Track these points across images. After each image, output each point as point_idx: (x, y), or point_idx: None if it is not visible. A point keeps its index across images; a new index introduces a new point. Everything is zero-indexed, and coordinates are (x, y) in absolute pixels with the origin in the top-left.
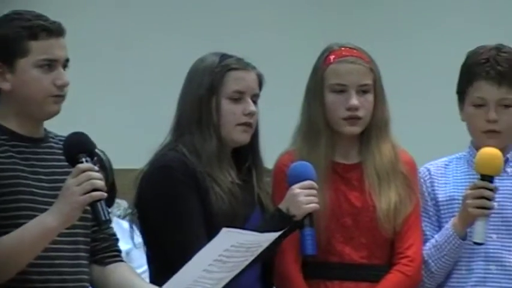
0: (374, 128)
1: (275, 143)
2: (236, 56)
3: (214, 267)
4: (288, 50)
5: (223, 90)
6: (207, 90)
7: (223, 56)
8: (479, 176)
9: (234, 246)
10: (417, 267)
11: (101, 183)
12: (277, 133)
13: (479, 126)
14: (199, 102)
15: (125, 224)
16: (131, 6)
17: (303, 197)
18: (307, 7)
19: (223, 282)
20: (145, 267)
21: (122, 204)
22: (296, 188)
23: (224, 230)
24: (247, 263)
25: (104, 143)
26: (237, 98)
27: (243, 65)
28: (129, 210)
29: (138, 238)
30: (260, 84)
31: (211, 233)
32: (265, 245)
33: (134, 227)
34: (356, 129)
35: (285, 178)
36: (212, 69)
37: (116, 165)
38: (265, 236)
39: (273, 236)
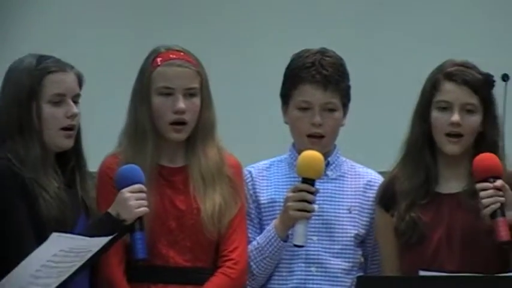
0: (200, 132)
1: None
2: (54, 57)
3: (41, 273)
4: None
5: (43, 95)
6: (26, 94)
7: (41, 58)
8: (300, 179)
9: (63, 251)
10: (241, 270)
11: None
12: (99, 135)
13: (303, 130)
14: (19, 108)
15: None
16: None
17: (134, 201)
18: None
19: None
20: None
21: None
22: (126, 192)
23: (54, 234)
24: (75, 268)
25: None
26: (58, 101)
27: (61, 67)
28: None
29: None
30: (80, 83)
31: (42, 241)
32: (95, 249)
33: None
34: (182, 136)
35: (109, 181)
36: (30, 73)
37: None
38: (95, 240)
39: (104, 240)
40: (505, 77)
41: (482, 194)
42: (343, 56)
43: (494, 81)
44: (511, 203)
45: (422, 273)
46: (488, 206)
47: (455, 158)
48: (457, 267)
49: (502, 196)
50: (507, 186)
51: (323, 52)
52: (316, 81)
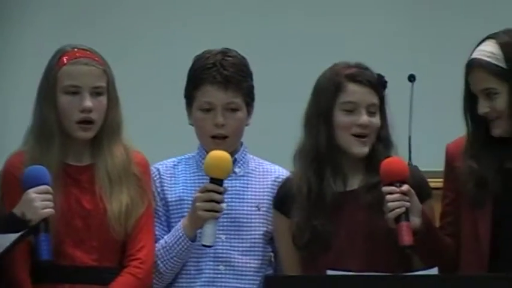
0: (106, 130)
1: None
2: None
3: None
4: None
5: None
6: None
7: None
8: (208, 179)
9: None
10: (148, 270)
11: None
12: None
13: (207, 131)
14: None
15: None
16: None
17: (39, 202)
18: None
19: None
20: None
21: None
22: (32, 193)
23: None
24: None
25: None
26: None
27: None
28: None
29: None
30: None
31: None
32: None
33: None
34: (89, 135)
35: (14, 180)
36: None
37: None
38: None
39: (8, 240)
40: (411, 78)
41: (388, 197)
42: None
43: (386, 81)
44: (415, 208)
45: (330, 272)
46: (393, 209)
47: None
48: (359, 265)
49: (407, 201)
50: (413, 191)
51: (224, 52)
52: (217, 81)
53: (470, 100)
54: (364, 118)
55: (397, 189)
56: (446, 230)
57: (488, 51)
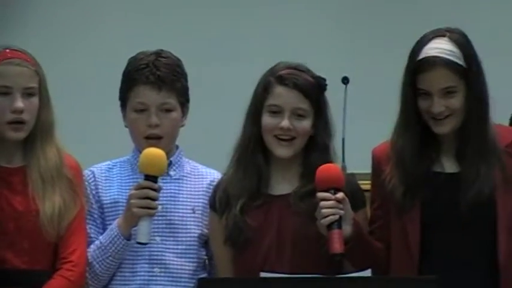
0: (39, 132)
1: None
2: None
3: None
4: None
5: None
6: None
7: None
8: (143, 177)
9: None
10: (80, 272)
11: None
12: None
13: (141, 132)
14: None
15: None
16: None
17: None
18: None
19: None
20: None
21: None
22: None
23: None
24: None
25: None
26: None
27: None
28: None
29: None
30: None
31: None
32: None
33: None
34: (21, 135)
35: None
36: None
37: None
38: None
39: None
40: (344, 80)
41: (322, 204)
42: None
43: (326, 84)
44: (348, 217)
45: (263, 274)
46: (326, 216)
47: (287, 160)
48: (287, 269)
49: (341, 209)
50: (347, 200)
51: (158, 53)
52: (150, 82)
53: (412, 99)
54: (286, 122)
55: (332, 196)
56: (377, 235)
57: (447, 49)
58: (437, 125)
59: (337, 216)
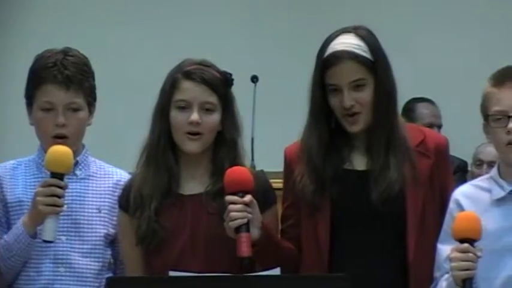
0: None
1: None
2: None
3: None
4: None
5: None
6: None
7: None
8: (50, 174)
9: None
10: None
11: None
12: None
13: (47, 131)
14: None
15: None
16: None
17: None
18: None
19: None
20: None
21: None
22: None
23: None
24: None
25: None
26: None
27: None
28: None
29: None
30: None
31: None
32: None
33: None
34: None
35: None
36: None
37: None
38: None
39: None
40: (254, 79)
41: (231, 207)
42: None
43: (232, 79)
44: (256, 220)
45: (172, 273)
46: (235, 219)
47: (196, 157)
48: (202, 269)
49: (250, 212)
50: (255, 202)
51: (66, 52)
52: (58, 81)
53: (322, 97)
54: (195, 115)
55: (240, 200)
56: (288, 233)
57: (354, 43)
58: (350, 124)
59: (245, 220)
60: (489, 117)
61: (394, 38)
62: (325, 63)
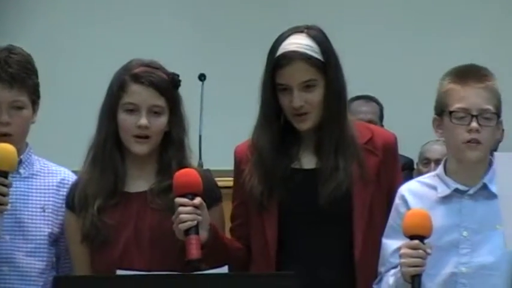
0: None
1: None
2: None
3: None
4: None
5: None
6: None
7: None
8: None
9: None
10: None
11: None
12: None
13: None
14: None
15: None
16: None
17: None
18: None
19: None
20: None
21: None
22: None
23: None
24: None
25: None
26: None
27: None
28: None
29: None
30: None
31: None
32: None
33: None
34: None
35: None
36: None
37: None
38: None
39: None
40: (201, 77)
41: (180, 209)
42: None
43: (179, 80)
44: (205, 222)
45: (119, 272)
46: (185, 222)
47: (143, 157)
48: (146, 266)
49: (199, 215)
50: (204, 205)
51: (9, 50)
52: (1, 79)
53: (272, 97)
54: (144, 120)
55: (190, 202)
56: (237, 232)
57: (305, 43)
58: (299, 122)
59: (194, 222)
60: (451, 114)
61: (343, 36)
62: (276, 63)
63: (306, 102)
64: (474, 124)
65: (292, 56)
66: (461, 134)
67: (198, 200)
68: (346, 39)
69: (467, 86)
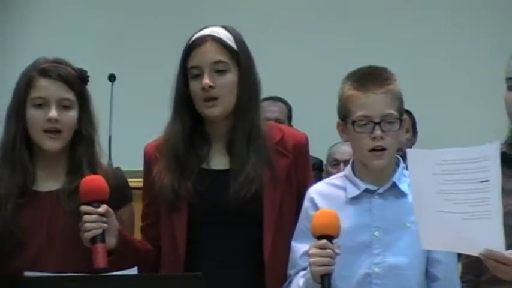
0: None
1: None
2: None
3: None
4: None
5: None
6: None
7: None
8: None
9: None
10: None
11: None
12: None
13: None
14: None
15: None
16: None
17: None
18: None
19: None
20: None
21: None
22: None
23: None
24: None
25: None
26: None
27: None
28: None
29: None
30: None
31: None
32: None
33: None
34: None
35: None
36: None
37: None
38: None
39: None
40: (111, 77)
41: (85, 218)
42: None
43: (88, 76)
44: (112, 229)
45: (27, 273)
46: (90, 230)
47: (54, 155)
48: (59, 267)
49: (105, 222)
50: (111, 212)
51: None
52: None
53: (185, 86)
54: (53, 112)
55: (95, 211)
56: (148, 233)
57: (220, 32)
58: (208, 108)
59: (100, 230)
60: (354, 123)
61: (253, 39)
62: (189, 47)
63: (216, 85)
64: (378, 132)
65: (205, 38)
66: (366, 143)
67: (103, 208)
68: (257, 42)
69: (368, 92)
